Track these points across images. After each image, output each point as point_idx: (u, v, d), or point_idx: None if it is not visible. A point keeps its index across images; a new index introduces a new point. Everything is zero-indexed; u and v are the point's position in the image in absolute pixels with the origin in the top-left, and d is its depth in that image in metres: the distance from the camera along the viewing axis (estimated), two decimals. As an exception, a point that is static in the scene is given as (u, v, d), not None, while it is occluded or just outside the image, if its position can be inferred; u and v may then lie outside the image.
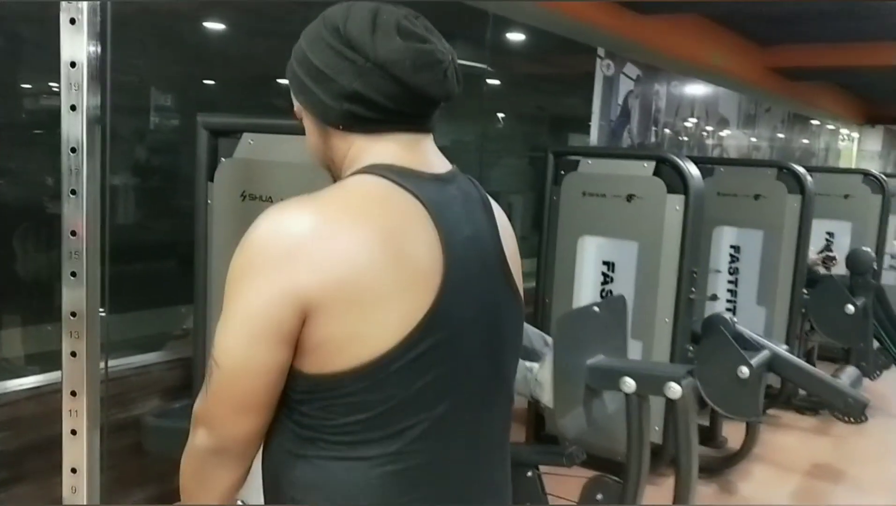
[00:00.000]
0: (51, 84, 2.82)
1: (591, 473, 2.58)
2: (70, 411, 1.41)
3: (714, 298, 4.24)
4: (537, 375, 2.43)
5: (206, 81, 3.47)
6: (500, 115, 5.63)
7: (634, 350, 3.24)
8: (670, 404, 2.43)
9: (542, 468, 2.51)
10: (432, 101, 1.01)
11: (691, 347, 3.27)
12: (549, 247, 3.52)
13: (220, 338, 0.95)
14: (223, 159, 2.14)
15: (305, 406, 0.97)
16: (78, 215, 1.36)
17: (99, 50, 1.35)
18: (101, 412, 1.45)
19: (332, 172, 1.08)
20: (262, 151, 2.12)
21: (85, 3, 1.31)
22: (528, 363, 2.49)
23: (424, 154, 1.04)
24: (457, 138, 4.83)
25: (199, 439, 1.00)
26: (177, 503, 1.09)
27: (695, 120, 6.99)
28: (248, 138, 2.13)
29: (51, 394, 2.42)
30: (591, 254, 3.45)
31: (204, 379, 0.99)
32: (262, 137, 2.12)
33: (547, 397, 2.38)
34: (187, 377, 2.68)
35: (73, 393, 1.41)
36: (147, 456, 2.55)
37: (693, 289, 3.23)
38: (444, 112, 1.06)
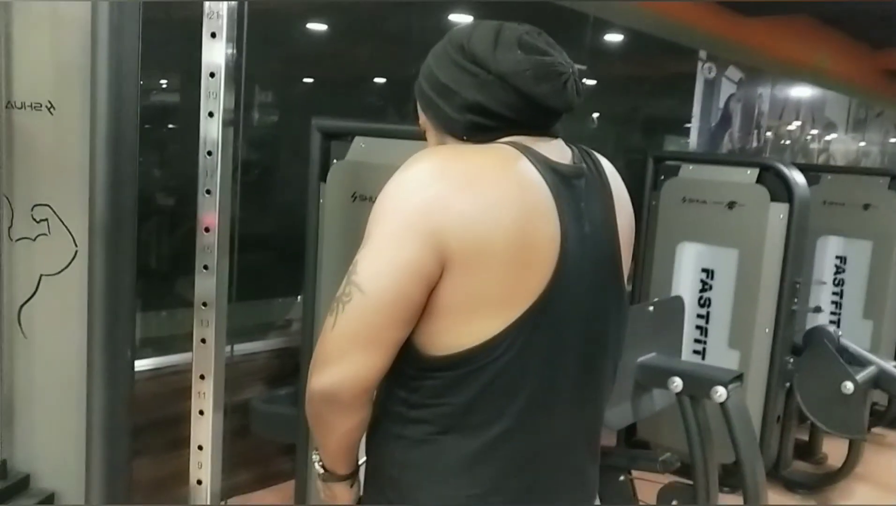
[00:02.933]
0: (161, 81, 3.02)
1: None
2: (199, 392, 1.53)
3: (818, 309, 4.10)
4: None
5: (306, 80, 3.61)
6: (597, 115, 5.62)
7: (731, 360, 3.19)
8: (722, 407, 2.41)
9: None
10: (552, 110, 1.06)
11: (791, 360, 3.19)
12: (647, 252, 3.50)
13: (365, 266, 0.96)
14: (335, 161, 2.24)
15: (416, 382, 1.02)
16: (212, 213, 1.47)
17: (234, 58, 1.46)
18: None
19: None
20: (372, 154, 2.20)
21: (224, 19, 1.42)
22: None
23: (551, 146, 1.07)
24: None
25: (316, 381, 1.01)
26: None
27: (800, 124, 6.75)
28: (359, 141, 2.22)
29: (167, 375, 2.60)
30: (689, 260, 3.40)
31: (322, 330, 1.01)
32: (373, 141, 2.21)
33: None
34: (291, 365, 2.81)
35: (202, 376, 1.53)
36: (254, 438, 2.69)
37: (795, 300, 3.15)
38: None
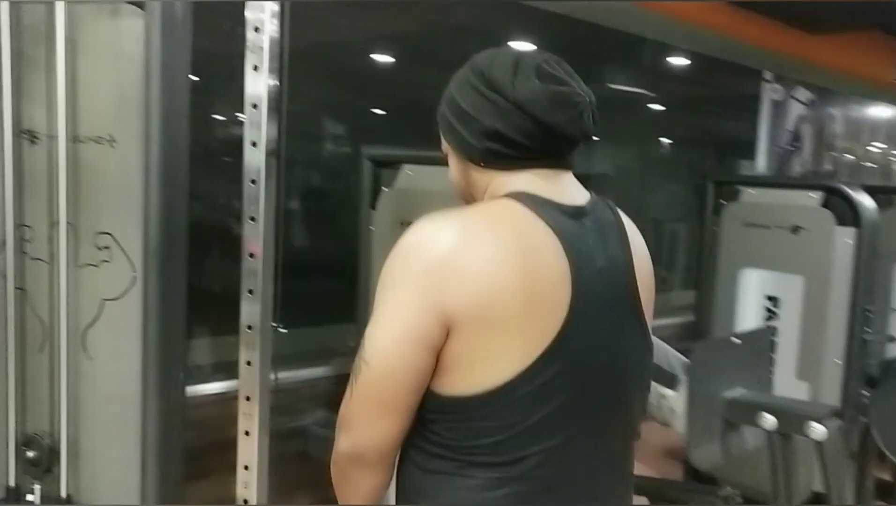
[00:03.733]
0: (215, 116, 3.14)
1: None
2: (244, 414, 1.57)
3: (894, 340, 3.91)
4: (672, 403, 2.37)
5: (363, 108, 3.70)
6: (664, 140, 5.55)
7: (800, 392, 3.07)
8: (817, 445, 2.30)
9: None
10: (568, 139, 1.07)
11: (866, 393, 3.05)
12: (709, 279, 3.42)
13: (370, 339, 1.02)
14: (384, 189, 2.29)
15: (436, 425, 1.04)
16: (256, 239, 1.53)
17: (276, 89, 1.53)
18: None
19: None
20: (419, 182, 2.25)
21: (266, 52, 1.49)
22: (661, 389, 2.45)
23: (562, 186, 1.09)
24: (620, 164, 4.81)
25: (341, 443, 1.08)
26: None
27: (883, 145, 6.49)
28: (407, 169, 2.28)
29: (217, 402, 2.67)
30: (753, 287, 3.31)
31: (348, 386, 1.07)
32: (420, 169, 2.25)
33: (680, 426, 2.32)
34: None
35: (248, 398, 1.57)
36: (312, 462, 2.73)
37: (867, 329, 3.02)
38: (606, 139, 1.10)
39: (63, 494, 1.72)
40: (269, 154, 1.52)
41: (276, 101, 1.51)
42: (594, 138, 1.10)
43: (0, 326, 1.77)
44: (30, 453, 1.75)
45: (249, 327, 1.56)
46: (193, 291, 1.70)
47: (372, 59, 3.48)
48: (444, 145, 1.15)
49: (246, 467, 1.59)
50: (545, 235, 1.02)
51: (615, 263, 1.08)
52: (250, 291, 1.55)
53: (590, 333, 1.03)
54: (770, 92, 5.14)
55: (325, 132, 3.51)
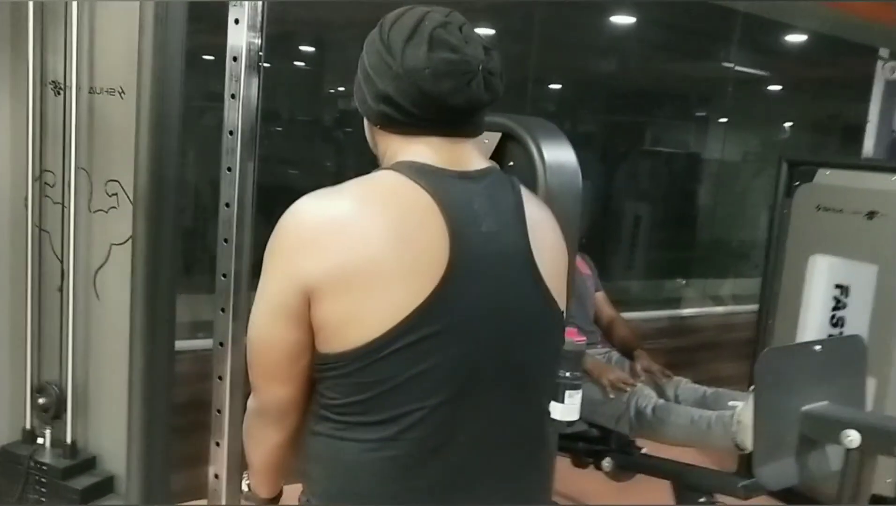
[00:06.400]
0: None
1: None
2: (219, 360, 1.62)
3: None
4: (739, 415, 2.23)
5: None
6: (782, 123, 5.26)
7: (867, 387, 2.83)
8: None
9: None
10: (454, 109, 1.03)
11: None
12: (776, 264, 3.21)
13: (251, 314, 1.07)
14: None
15: (319, 384, 1.04)
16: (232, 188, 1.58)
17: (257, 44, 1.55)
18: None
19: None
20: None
21: (247, 6, 1.52)
22: (730, 402, 2.31)
23: (455, 155, 1.06)
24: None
25: (249, 400, 1.13)
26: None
27: None
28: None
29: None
30: (822, 275, 3.08)
31: None
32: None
33: (746, 440, 2.16)
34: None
35: (221, 344, 1.62)
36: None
37: (946, 325, 2.75)
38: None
39: (68, 439, 1.84)
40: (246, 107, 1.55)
41: (256, 56, 1.54)
42: (492, 102, 1.05)
43: (22, 265, 1.90)
44: (41, 400, 1.89)
45: (224, 276, 1.60)
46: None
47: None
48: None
49: (219, 411, 1.64)
50: (421, 198, 1.00)
51: (504, 228, 1.04)
52: (225, 240, 1.59)
53: (473, 294, 1.00)
54: (887, 71, 4.72)
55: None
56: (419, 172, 1.02)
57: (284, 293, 1.00)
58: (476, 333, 1.01)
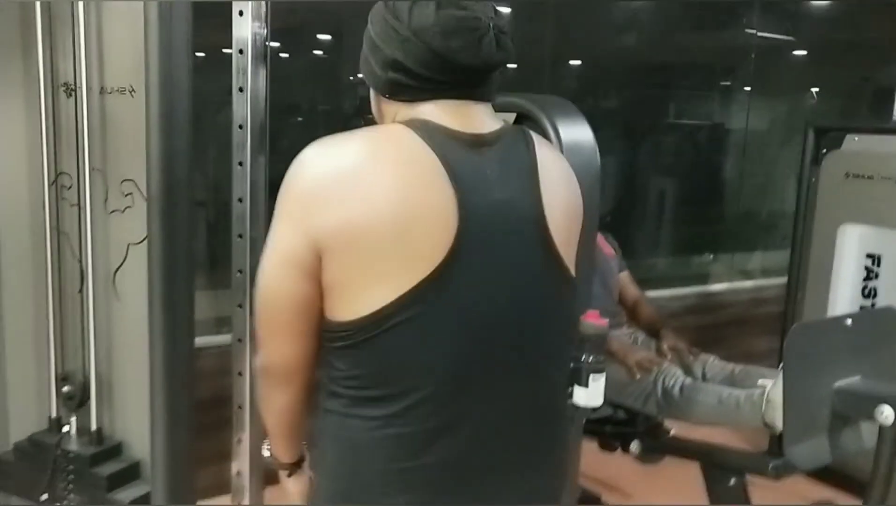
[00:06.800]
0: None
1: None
2: (238, 355, 1.62)
3: None
4: (769, 393, 2.17)
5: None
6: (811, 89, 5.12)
7: None
8: None
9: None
10: (467, 68, 0.99)
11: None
12: (805, 235, 3.13)
13: (260, 267, 1.03)
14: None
15: (331, 356, 1.01)
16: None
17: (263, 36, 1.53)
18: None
19: None
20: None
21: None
22: (760, 380, 2.25)
23: (467, 117, 1.02)
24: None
25: (257, 361, 1.10)
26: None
27: None
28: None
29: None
30: (852, 245, 3.00)
31: None
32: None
33: (777, 419, 2.10)
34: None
35: (239, 340, 1.62)
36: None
37: (984, 293, 2.67)
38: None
39: (93, 427, 1.86)
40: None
41: (262, 48, 1.52)
42: (507, 65, 1.02)
43: (42, 268, 1.92)
44: (66, 388, 1.91)
45: (240, 272, 1.60)
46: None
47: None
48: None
49: (240, 407, 1.64)
50: (431, 163, 0.96)
51: (516, 196, 1.00)
52: (240, 236, 1.59)
53: (482, 267, 0.97)
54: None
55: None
56: (430, 132, 0.98)
57: (296, 245, 0.98)
58: (484, 307, 0.98)
